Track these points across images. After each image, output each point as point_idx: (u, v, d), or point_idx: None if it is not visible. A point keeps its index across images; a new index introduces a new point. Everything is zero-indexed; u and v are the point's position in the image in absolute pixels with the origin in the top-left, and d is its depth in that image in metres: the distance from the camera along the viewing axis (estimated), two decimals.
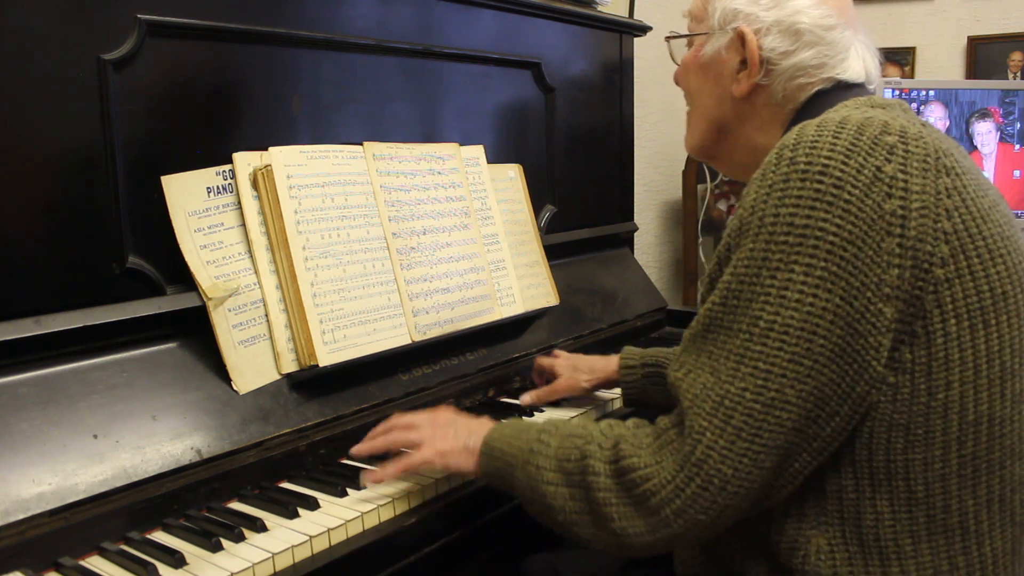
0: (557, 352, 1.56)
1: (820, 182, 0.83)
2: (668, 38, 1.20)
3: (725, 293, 0.88)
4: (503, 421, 1.09)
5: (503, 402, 1.49)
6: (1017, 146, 2.65)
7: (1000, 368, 0.86)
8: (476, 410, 1.45)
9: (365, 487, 1.11)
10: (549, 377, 1.51)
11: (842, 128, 0.86)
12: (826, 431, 0.85)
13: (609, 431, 0.95)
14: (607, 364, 1.47)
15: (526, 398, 1.46)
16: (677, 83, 1.17)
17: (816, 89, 1.02)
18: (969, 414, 0.85)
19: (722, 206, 2.97)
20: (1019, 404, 0.88)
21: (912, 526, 0.86)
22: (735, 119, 1.08)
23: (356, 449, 1.16)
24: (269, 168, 1.25)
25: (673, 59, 1.19)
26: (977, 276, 0.84)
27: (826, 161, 0.84)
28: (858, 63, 1.03)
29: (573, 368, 1.48)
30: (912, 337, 0.83)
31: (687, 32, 1.14)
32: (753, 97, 1.05)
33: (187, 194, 1.19)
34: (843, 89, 1.02)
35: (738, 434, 0.83)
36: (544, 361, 1.53)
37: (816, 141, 0.85)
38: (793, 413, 0.83)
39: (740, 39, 1.03)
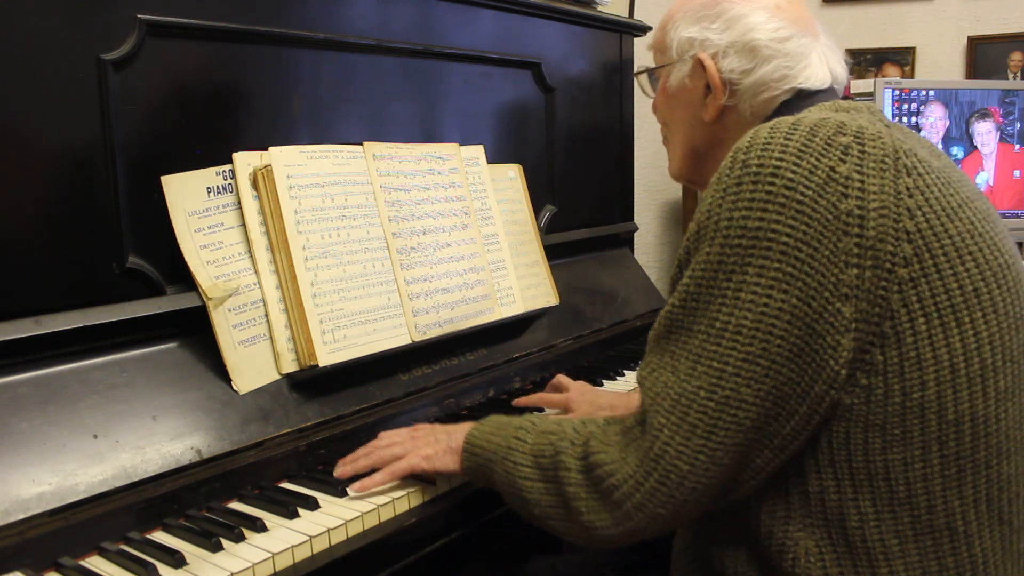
0: (563, 382, 1.47)
1: (772, 184, 0.83)
2: (636, 73, 1.21)
3: (684, 296, 0.88)
4: (483, 420, 1.10)
5: (503, 401, 1.49)
6: (1017, 146, 2.65)
7: (980, 366, 0.84)
8: (476, 410, 1.45)
9: (348, 495, 1.10)
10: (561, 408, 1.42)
11: (795, 130, 0.86)
12: (786, 429, 0.85)
13: (582, 428, 0.97)
14: (628, 401, 1.39)
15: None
16: (655, 114, 1.19)
17: (781, 101, 1.03)
18: (948, 413, 0.84)
19: None
20: (1004, 402, 0.87)
21: (897, 526, 0.86)
22: (710, 142, 1.10)
23: (340, 471, 1.15)
24: (269, 168, 1.25)
25: (644, 92, 1.21)
26: (945, 274, 0.83)
27: (777, 163, 0.84)
28: (822, 68, 1.04)
29: (591, 404, 1.39)
30: (882, 339, 0.83)
31: (654, 65, 1.16)
32: (723, 119, 1.07)
33: (187, 194, 1.19)
34: (808, 97, 1.03)
35: (693, 431, 0.84)
36: (556, 398, 1.43)
37: (768, 143, 0.85)
38: (751, 412, 0.84)
39: (700, 66, 1.05)
